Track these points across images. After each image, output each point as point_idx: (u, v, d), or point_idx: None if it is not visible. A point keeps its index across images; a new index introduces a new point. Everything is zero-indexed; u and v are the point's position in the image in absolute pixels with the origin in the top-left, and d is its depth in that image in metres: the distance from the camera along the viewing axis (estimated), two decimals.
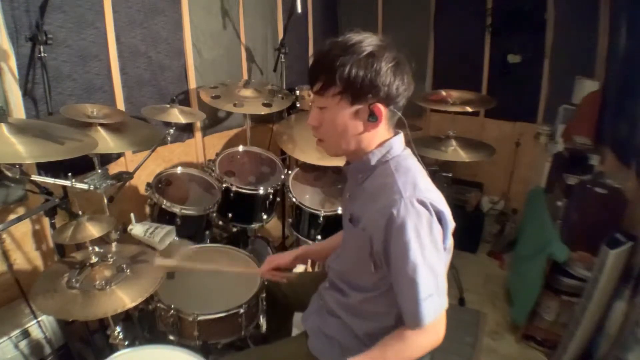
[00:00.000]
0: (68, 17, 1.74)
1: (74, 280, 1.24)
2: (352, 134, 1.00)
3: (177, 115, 1.83)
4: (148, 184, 1.87)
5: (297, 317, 1.49)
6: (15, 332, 1.48)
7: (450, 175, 2.54)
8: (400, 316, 0.99)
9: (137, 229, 1.61)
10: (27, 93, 1.66)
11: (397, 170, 0.99)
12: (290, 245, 2.65)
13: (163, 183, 1.96)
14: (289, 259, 1.37)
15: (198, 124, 2.48)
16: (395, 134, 1.05)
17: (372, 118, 0.97)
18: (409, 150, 1.06)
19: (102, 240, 1.37)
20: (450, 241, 1.00)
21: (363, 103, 0.96)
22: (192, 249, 1.76)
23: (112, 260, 1.32)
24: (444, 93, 2.50)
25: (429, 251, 0.92)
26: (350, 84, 0.94)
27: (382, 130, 1.01)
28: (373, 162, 1.02)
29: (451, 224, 0.98)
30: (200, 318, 1.43)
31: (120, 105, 2.03)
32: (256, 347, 1.52)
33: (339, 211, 1.94)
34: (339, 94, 0.96)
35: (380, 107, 0.96)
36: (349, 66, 0.92)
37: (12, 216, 1.62)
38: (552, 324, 2.06)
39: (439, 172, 2.48)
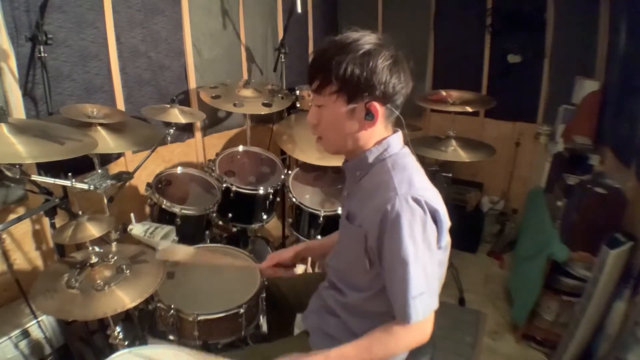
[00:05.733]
0: (68, 17, 1.74)
1: (73, 280, 1.23)
2: (349, 132, 1.00)
3: (177, 115, 1.83)
4: (148, 184, 1.87)
5: (299, 318, 1.49)
6: (15, 332, 1.48)
7: (450, 175, 2.54)
8: None
9: (137, 229, 1.61)
10: (27, 93, 1.66)
11: (394, 168, 0.99)
12: (290, 245, 2.64)
13: (163, 183, 1.97)
14: (290, 255, 1.37)
15: (198, 124, 2.48)
16: (394, 132, 1.05)
17: (369, 117, 0.97)
18: (407, 149, 1.06)
19: (102, 240, 1.37)
20: (446, 240, 1.00)
21: (359, 101, 0.96)
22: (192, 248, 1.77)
23: (112, 260, 1.32)
24: (444, 93, 2.50)
25: (422, 250, 0.92)
26: (346, 82, 0.94)
27: (380, 129, 1.01)
28: (370, 159, 1.03)
29: (446, 223, 0.98)
30: (200, 318, 1.43)
31: (120, 105, 2.03)
32: (257, 345, 1.52)
33: (339, 211, 1.94)
34: (335, 92, 0.96)
35: (377, 106, 0.96)
36: (344, 64, 0.92)
37: (12, 216, 1.62)
38: (552, 324, 2.06)
39: (439, 172, 2.47)
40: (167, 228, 1.64)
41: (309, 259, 2.09)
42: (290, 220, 2.16)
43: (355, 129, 1.00)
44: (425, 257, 0.93)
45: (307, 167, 2.23)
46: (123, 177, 1.54)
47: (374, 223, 0.95)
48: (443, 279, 1.08)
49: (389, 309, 1.03)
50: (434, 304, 0.96)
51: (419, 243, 0.92)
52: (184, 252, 1.39)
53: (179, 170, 2.05)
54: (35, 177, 1.28)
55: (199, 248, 1.77)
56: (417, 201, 0.92)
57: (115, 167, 2.02)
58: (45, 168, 1.62)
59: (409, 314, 0.92)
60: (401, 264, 0.91)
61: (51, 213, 1.47)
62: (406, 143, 1.07)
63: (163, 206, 1.80)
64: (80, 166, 1.49)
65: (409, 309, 0.92)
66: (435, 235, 0.95)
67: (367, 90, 0.94)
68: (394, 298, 0.96)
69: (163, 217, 1.83)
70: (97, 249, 1.30)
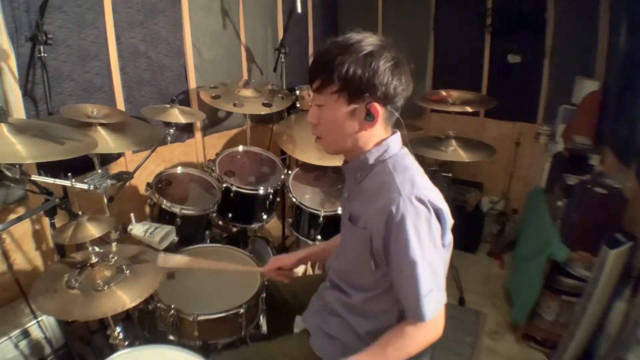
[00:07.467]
0: (68, 17, 1.74)
1: (74, 280, 1.23)
2: (349, 132, 1.01)
3: (177, 115, 1.83)
4: (148, 184, 1.87)
5: (298, 319, 1.49)
6: (15, 332, 1.47)
7: (450, 175, 2.54)
8: (402, 314, 1.00)
9: (137, 229, 1.60)
10: (27, 93, 1.66)
11: (395, 168, 1.00)
12: (290, 245, 2.65)
13: (163, 183, 1.96)
14: (293, 261, 1.38)
15: (198, 124, 2.48)
16: (393, 133, 1.05)
17: (369, 117, 0.97)
18: (406, 149, 1.06)
19: (102, 240, 1.37)
20: (449, 238, 1.01)
21: (360, 102, 0.96)
22: (192, 249, 1.77)
23: (112, 260, 1.32)
24: (444, 93, 2.50)
25: (428, 248, 0.93)
26: (348, 82, 0.94)
27: (380, 130, 1.02)
28: (371, 161, 1.03)
29: (449, 221, 0.99)
30: (200, 318, 1.43)
31: (120, 105, 2.03)
32: (256, 344, 1.52)
33: (339, 211, 1.94)
34: (336, 92, 0.97)
35: (377, 107, 0.96)
36: (346, 65, 0.93)
37: (12, 216, 1.62)
38: (552, 324, 2.06)
39: (439, 172, 2.47)
40: (167, 228, 1.64)
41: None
42: (290, 220, 2.16)
43: (355, 129, 1.00)
44: (432, 254, 0.94)
45: (307, 167, 2.23)
46: (123, 177, 1.54)
47: (378, 224, 0.95)
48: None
49: (392, 307, 1.04)
50: (443, 299, 0.98)
51: (425, 241, 0.92)
52: (183, 260, 1.39)
53: (179, 170, 2.05)
54: (35, 177, 1.28)
55: (197, 251, 1.77)
56: (420, 201, 0.93)
57: (115, 167, 2.02)
58: (45, 168, 1.62)
59: (422, 313, 0.93)
60: (409, 264, 0.92)
61: (51, 213, 1.47)
62: (405, 144, 1.07)
63: (163, 206, 1.80)
64: (80, 166, 1.49)
65: (422, 308, 0.93)
66: (439, 233, 0.96)
67: (368, 91, 0.95)
68: (404, 298, 0.97)
69: (163, 217, 1.82)
70: (97, 249, 1.30)
